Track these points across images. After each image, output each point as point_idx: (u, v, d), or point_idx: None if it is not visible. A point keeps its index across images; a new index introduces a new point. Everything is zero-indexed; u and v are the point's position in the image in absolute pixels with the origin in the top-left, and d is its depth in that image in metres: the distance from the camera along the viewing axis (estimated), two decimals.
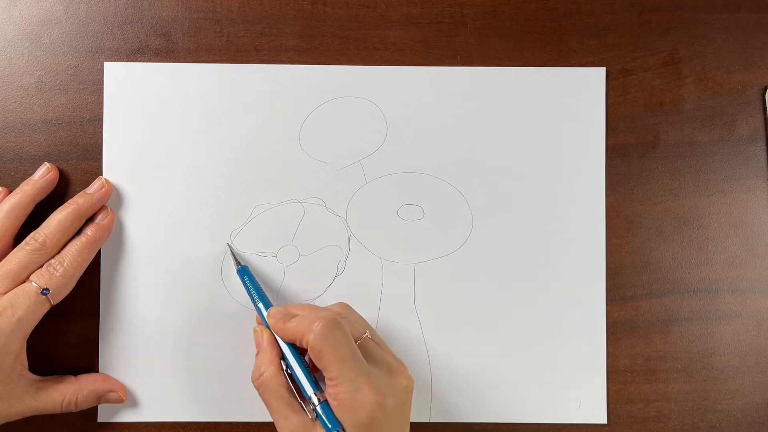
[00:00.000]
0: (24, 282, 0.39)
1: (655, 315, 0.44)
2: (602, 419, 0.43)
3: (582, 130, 0.44)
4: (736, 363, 0.44)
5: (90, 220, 0.42)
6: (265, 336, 0.39)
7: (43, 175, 0.42)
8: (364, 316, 0.43)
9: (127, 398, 0.42)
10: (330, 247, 0.43)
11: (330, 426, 0.35)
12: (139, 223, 0.43)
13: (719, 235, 0.44)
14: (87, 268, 0.41)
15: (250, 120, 0.43)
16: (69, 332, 0.43)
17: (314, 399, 0.36)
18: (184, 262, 0.43)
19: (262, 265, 0.43)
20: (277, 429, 0.37)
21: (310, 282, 0.43)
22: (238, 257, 0.42)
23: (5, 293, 0.38)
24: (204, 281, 0.43)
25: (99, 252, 0.42)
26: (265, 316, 0.39)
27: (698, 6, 0.44)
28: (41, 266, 0.39)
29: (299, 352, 0.38)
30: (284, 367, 0.38)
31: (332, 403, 0.36)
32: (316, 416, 0.36)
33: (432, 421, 0.43)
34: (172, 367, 0.43)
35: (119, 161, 0.43)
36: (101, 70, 0.43)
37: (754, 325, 0.44)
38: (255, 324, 0.41)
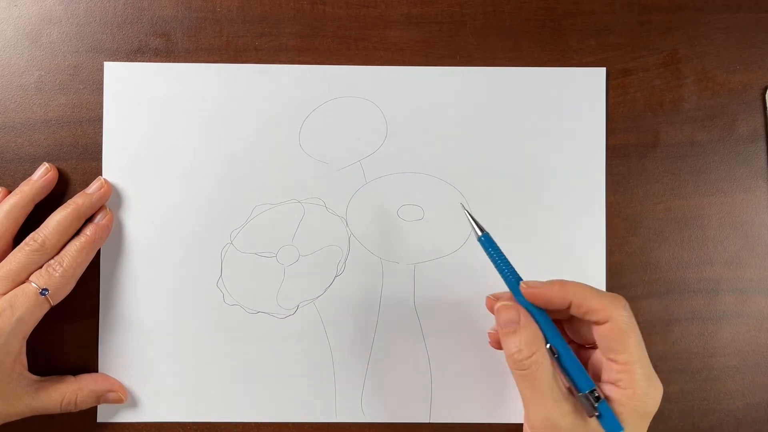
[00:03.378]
0: (23, 282, 0.39)
1: (655, 315, 0.44)
2: None
3: (582, 130, 0.44)
4: (736, 363, 0.44)
5: (89, 220, 0.42)
6: (522, 312, 0.35)
7: (42, 175, 0.42)
8: (363, 317, 0.43)
9: (126, 398, 0.42)
10: (330, 247, 0.43)
11: (615, 427, 0.33)
12: (139, 223, 0.43)
13: (719, 235, 0.44)
14: (87, 268, 0.41)
15: (250, 120, 0.43)
16: (69, 332, 0.43)
17: (594, 393, 0.33)
18: (184, 262, 0.43)
19: (262, 265, 0.43)
20: (535, 416, 0.34)
21: (310, 282, 0.43)
22: (479, 224, 0.37)
23: (5, 294, 0.38)
24: (204, 281, 0.43)
25: (98, 252, 0.42)
26: (522, 285, 0.36)
27: (698, 6, 0.44)
28: (41, 266, 0.39)
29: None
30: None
31: (621, 391, 0.34)
32: (599, 413, 0.33)
33: (432, 421, 0.43)
34: (171, 367, 0.43)
35: (119, 161, 0.43)
36: (101, 70, 0.43)
37: (754, 325, 0.44)
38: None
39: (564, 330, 0.39)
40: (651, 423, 0.43)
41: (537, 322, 0.35)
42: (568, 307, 0.35)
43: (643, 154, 0.44)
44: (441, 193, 0.43)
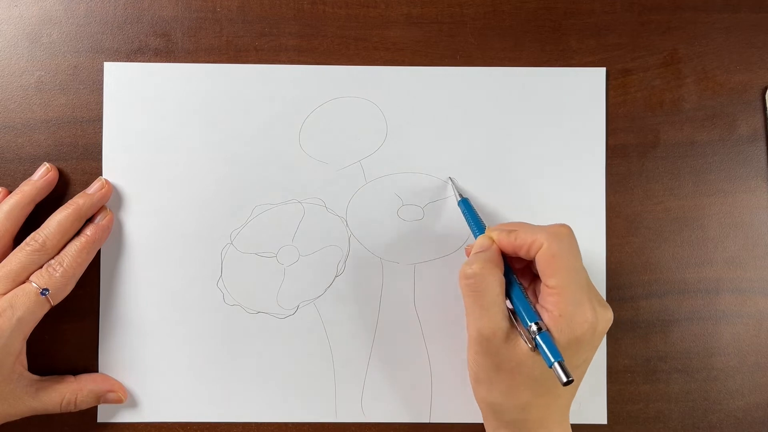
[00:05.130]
0: (24, 282, 0.39)
1: (655, 315, 0.44)
2: (602, 419, 0.43)
3: (582, 130, 0.44)
4: (736, 363, 0.44)
5: (89, 220, 0.42)
6: (494, 245, 0.37)
7: (42, 176, 0.42)
8: (364, 317, 0.43)
9: (126, 398, 0.42)
10: (330, 247, 0.43)
11: (552, 358, 0.33)
12: (139, 223, 0.43)
13: (719, 235, 0.44)
14: (87, 268, 0.41)
15: (250, 120, 0.43)
16: (69, 332, 0.43)
17: (534, 327, 0.34)
18: (184, 262, 0.43)
19: (262, 265, 0.43)
20: (475, 328, 0.36)
21: (310, 282, 0.43)
22: (460, 190, 0.43)
23: (5, 294, 0.38)
24: (204, 281, 0.43)
25: (99, 252, 0.42)
26: (486, 231, 0.39)
27: (698, 6, 0.44)
28: (41, 267, 0.39)
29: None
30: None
31: (548, 314, 0.35)
32: (536, 345, 0.34)
33: (432, 421, 0.43)
34: (171, 367, 0.43)
35: (119, 161, 0.43)
36: (101, 70, 0.43)
37: (754, 325, 0.44)
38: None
39: (534, 273, 0.39)
40: (651, 423, 0.44)
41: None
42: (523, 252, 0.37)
43: (643, 154, 0.44)
44: (441, 193, 0.43)
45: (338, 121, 0.43)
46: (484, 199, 0.43)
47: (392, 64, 0.44)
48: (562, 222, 0.37)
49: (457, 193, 0.42)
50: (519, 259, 0.38)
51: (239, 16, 0.44)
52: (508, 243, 0.37)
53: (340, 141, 0.43)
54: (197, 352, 0.43)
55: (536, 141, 0.44)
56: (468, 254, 0.39)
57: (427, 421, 0.43)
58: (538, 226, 0.37)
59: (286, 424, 0.43)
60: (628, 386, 0.44)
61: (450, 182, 0.43)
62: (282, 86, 0.43)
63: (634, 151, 0.44)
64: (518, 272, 0.39)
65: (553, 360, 0.33)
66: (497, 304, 0.35)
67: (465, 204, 0.42)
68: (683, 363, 0.44)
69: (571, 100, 0.44)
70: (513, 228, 0.37)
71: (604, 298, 0.43)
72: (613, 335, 0.43)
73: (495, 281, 0.36)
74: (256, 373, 0.43)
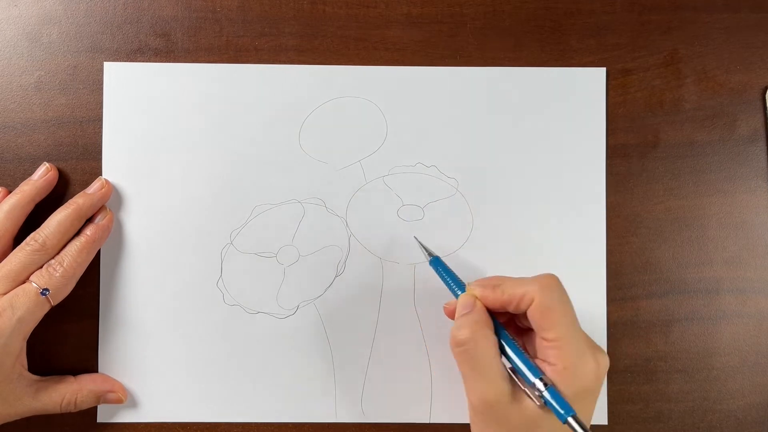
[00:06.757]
0: (24, 282, 0.39)
1: (655, 315, 0.44)
2: (602, 419, 0.43)
3: (582, 130, 0.44)
4: (736, 363, 0.44)
5: (89, 220, 0.42)
6: (479, 303, 0.36)
7: (42, 175, 0.42)
8: (364, 316, 0.43)
9: (126, 398, 0.42)
10: (330, 247, 0.43)
11: (563, 411, 0.32)
12: (139, 223, 0.43)
13: (719, 235, 0.44)
14: (87, 268, 0.41)
15: (250, 120, 0.43)
16: (69, 332, 0.43)
17: (539, 384, 0.33)
18: (184, 262, 0.43)
19: (262, 265, 0.43)
20: (476, 396, 0.34)
21: (310, 282, 0.43)
22: (428, 249, 0.41)
23: (5, 294, 0.38)
24: (204, 282, 0.43)
25: (99, 252, 0.42)
26: (467, 288, 0.37)
27: (698, 6, 0.44)
28: (41, 267, 0.39)
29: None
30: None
31: (551, 367, 0.34)
32: (544, 402, 0.33)
33: (432, 421, 0.43)
34: (171, 368, 0.43)
35: (119, 161, 0.43)
36: (101, 70, 0.43)
37: (754, 325, 0.44)
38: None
39: (520, 324, 0.39)
40: (651, 423, 0.44)
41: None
42: (511, 305, 0.36)
43: (643, 154, 0.44)
44: (441, 193, 0.43)
45: (338, 121, 0.43)
46: (484, 199, 0.43)
47: (392, 64, 0.44)
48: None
49: (425, 253, 0.41)
50: (503, 312, 0.37)
51: (239, 16, 0.44)
52: (495, 299, 0.36)
53: (340, 141, 0.43)
54: (197, 352, 0.43)
55: (536, 141, 0.44)
56: (448, 314, 0.39)
57: (427, 421, 0.43)
58: (523, 278, 0.36)
59: (286, 424, 0.43)
60: (628, 386, 0.44)
61: (417, 241, 0.42)
62: (282, 86, 0.43)
63: (634, 151, 0.44)
64: (504, 325, 0.38)
65: (566, 415, 0.32)
66: (495, 365, 0.34)
67: (437, 262, 0.40)
68: (683, 363, 0.44)
69: (571, 100, 0.44)
70: (495, 282, 0.36)
71: (605, 298, 0.43)
72: (613, 335, 0.43)
73: (488, 343, 0.34)
74: (256, 373, 0.43)
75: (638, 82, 0.44)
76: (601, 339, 0.43)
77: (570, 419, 0.32)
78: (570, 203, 0.44)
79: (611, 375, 0.43)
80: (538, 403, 0.33)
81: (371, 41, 0.44)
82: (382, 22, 0.44)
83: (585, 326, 0.43)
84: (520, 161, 0.44)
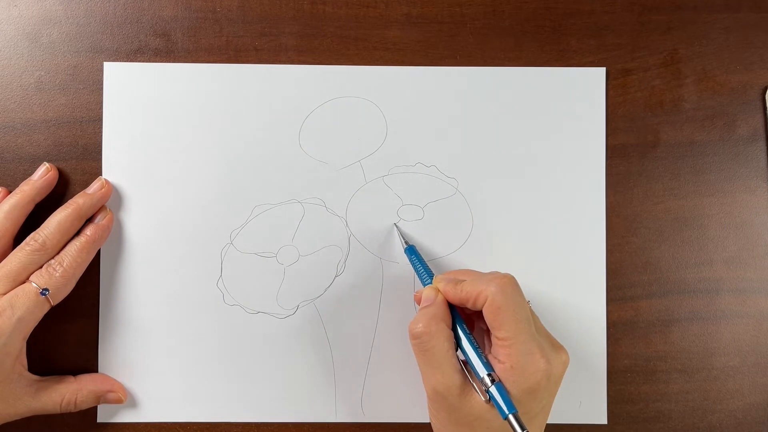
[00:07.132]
0: (24, 282, 0.39)
1: (655, 315, 0.44)
2: (602, 419, 0.43)
3: (582, 130, 0.44)
4: (736, 363, 0.44)
5: (89, 220, 0.42)
6: (440, 297, 0.38)
7: (42, 175, 0.42)
8: (363, 317, 0.43)
9: (126, 398, 0.42)
10: (330, 247, 0.43)
11: (507, 410, 0.33)
12: (139, 223, 0.43)
13: (719, 235, 0.44)
14: (87, 268, 0.41)
15: (250, 120, 0.43)
16: (69, 332, 0.43)
17: (487, 380, 0.34)
18: (183, 262, 0.43)
19: (262, 265, 0.43)
20: (429, 386, 0.36)
21: (310, 282, 0.43)
22: (405, 237, 0.43)
23: (5, 294, 0.38)
24: (204, 281, 0.43)
25: (99, 252, 0.42)
26: (433, 281, 0.39)
27: (698, 6, 0.44)
28: (41, 267, 0.39)
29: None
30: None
31: (500, 365, 0.35)
32: (490, 398, 0.34)
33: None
34: (171, 368, 0.43)
35: (119, 161, 0.43)
36: (101, 70, 0.43)
37: (754, 325, 0.44)
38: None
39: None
40: (651, 423, 0.44)
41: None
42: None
43: (643, 154, 0.44)
44: (441, 193, 0.43)
45: (338, 121, 0.43)
46: (483, 199, 0.43)
47: (392, 64, 0.44)
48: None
49: (402, 241, 0.42)
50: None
51: (239, 16, 0.44)
52: (454, 295, 0.37)
53: (340, 141, 0.43)
54: (197, 352, 0.43)
55: (536, 141, 0.44)
56: (416, 301, 0.39)
57: (427, 421, 0.43)
58: (484, 276, 0.37)
59: (286, 424, 0.43)
60: (628, 386, 0.44)
61: (395, 228, 0.43)
62: (282, 86, 0.43)
63: (634, 151, 0.44)
64: (475, 317, 0.39)
65: (507, 412, 0.33)
66: (448, 359, 0.35)
67: (411, 251, 0.41)
68: (683, 363, 0.44)
69: (571, 100, 0.44)
70: (461, 277, 0.38)
71: (604, 298, 0.43)
72: (613, 335, 0.43)
73: (442, 337, 0.36)
74: (256, 373, 0.43)
75: (638, 82, 0.44)
76: (601, 339, 0.43)
77: (510, 417, 0.33)
78: (570, 203, 0.44)
79: (611, 375, 0.43)
80: (484, 398, 0.35)
81: (371, 41, 0.44)
82: (382, 22, 0.44)
83: (585, 326, 0.43)
84: (519, 161, 0.44)
